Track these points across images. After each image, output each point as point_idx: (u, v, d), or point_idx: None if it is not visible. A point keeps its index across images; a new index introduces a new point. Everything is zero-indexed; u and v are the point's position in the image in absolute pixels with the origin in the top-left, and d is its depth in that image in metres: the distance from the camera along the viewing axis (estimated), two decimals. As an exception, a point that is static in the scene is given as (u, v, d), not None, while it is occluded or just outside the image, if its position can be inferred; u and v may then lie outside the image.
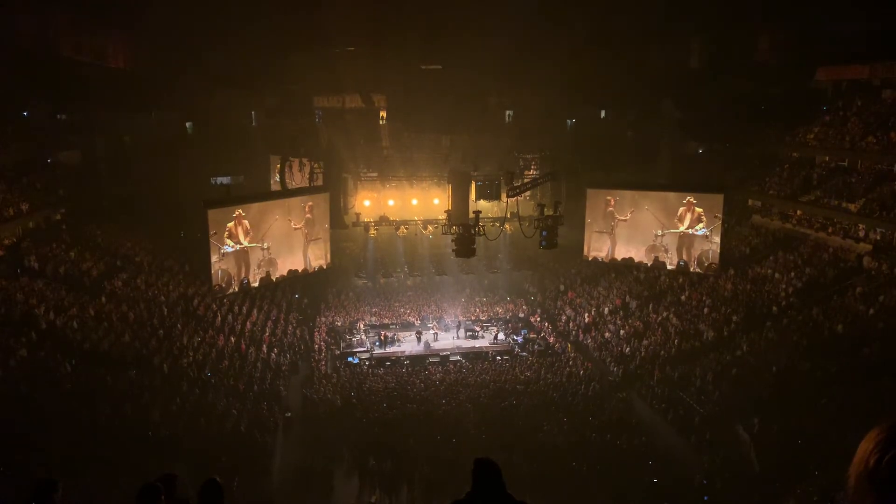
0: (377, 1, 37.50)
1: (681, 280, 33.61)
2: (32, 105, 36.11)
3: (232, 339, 29.00)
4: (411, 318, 34.68)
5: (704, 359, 27.59)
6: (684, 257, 33.44)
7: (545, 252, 32.20)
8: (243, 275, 31.38)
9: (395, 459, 21.69)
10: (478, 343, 32.42)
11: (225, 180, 38.61)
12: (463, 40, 35.79)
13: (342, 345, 31.56)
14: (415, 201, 35.64)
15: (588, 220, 34.85)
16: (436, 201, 35.21)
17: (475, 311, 35.74)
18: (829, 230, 32.48)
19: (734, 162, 38.63)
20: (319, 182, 35.41)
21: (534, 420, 24.35)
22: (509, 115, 42.62)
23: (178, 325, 28.59)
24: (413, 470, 21.39)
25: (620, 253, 35.11)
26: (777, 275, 31.20)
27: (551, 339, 32.78)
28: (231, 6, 34.34)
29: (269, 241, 32.00)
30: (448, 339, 32.68)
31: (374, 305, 35.64)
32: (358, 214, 33.61)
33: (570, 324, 34.01)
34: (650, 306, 32.80)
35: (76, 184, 35.72)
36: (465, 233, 27.40)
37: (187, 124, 42.70)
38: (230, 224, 30.29)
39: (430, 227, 33.72)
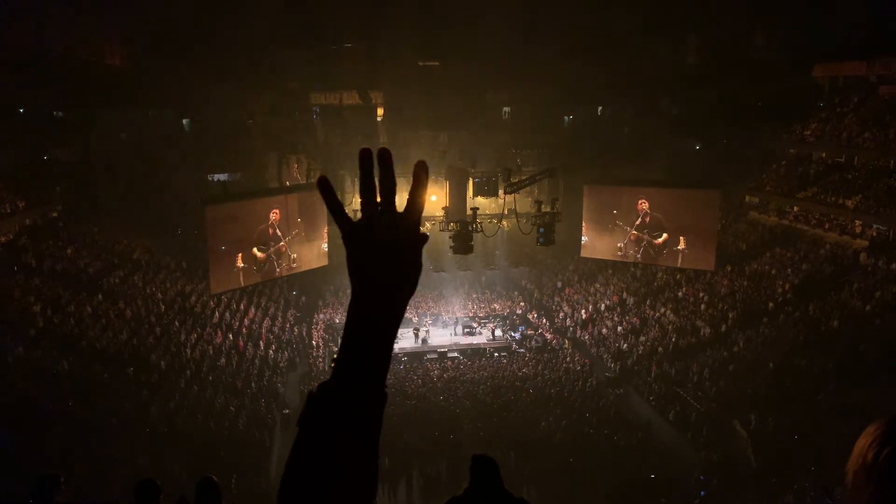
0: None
1: (678, 276, 33.66)
2: (29, 102, 35.98)
3: (230, 336, 29.00)
4: (409, 315, 34.68)
5: (701, 355, 27.67)
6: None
7: (543, 249, 32.22)
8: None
9: (393, 456, 21.70)
10: (475, 339, 32.44)
11: (222, 177, 38.52)
12: (460, 37, 35.74)
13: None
14: (412, 198, 35.61)
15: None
16: (433, 198, 35.15)
17: (473, 307, 35.76)
18: (826, 226, 32.53)
19: (731, 158, 38.68)
20: (317, 179, 35.37)
21: (531, 416, 24.40)
22: (507, 111, 42.55)
23: (176, 323, 28.58)
24: (411, 466, 21.43)
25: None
26: (774, 271, 31.26)
27: (549, 336, 32.82)
28: (228, 3, 34.26)
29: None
30: (446, 335, 32.70)
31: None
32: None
33: (568, 320, 34.08)
34: (647, 302, 32.86)
35: (73, 181, 35.62)
36: (462, 229, 27.41)
37: (184, 121, 42.57)
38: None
39: (427, 224, 33.72)
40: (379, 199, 1.18)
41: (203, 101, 39.14)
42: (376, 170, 1.17)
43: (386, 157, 1.17)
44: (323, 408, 1.11)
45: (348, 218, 1.20)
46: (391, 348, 1.16)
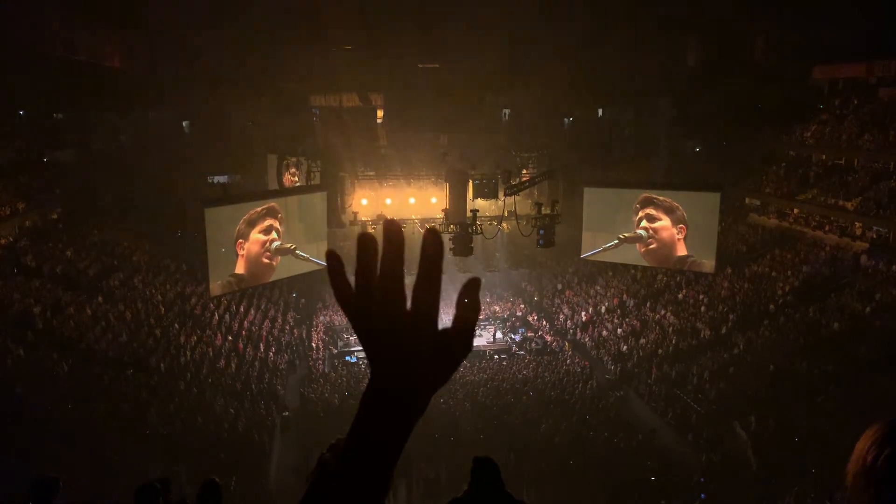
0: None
1: (678, 279, 33.65)
2: (29, 104, 35.99)
3: (229, 338, 28.99)
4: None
5: (702, 357, 27.66)
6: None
7: (543, 251, 32.20)
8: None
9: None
10: (475, 342, 32.26)
11: (222, 179, 38.53)
12: (460, 39, 35.78)
13: (340, 344, 31.54)
14: (412, 200, 35.59)
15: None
16: (433, 200, 35.17)
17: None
18: (826, 228, 32.54)
19: (731, 160, 38.70)
20: (317, 181, 35.35)
21: (531, 418, 24.38)
22: (506, 113, 42.57)
23: (176, 325, 28.57)
24: (411, 468, 21.40)
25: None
26: (774, 273, 31.26)
27: (549, 338, 32.79)
28: (228, 5, 34.27)
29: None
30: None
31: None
32: (355, 213, 33.56)
33: (568, 322, 34.06)
34: (647, 305, 32.86)
35: (73, 183, 35.64)
36: (462, 232, 27.40)
37: (184, 123, 42.60)
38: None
39: (427, 226, 33.73)
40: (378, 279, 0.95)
41: (203, 102, 39.18)
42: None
43: (394, 235, 0.94)
44: (330, 480, 1.05)
45: (351, 294, 0.99)
46: (407, 436, 1.04)
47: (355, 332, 1.01)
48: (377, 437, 1.02)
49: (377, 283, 0.94)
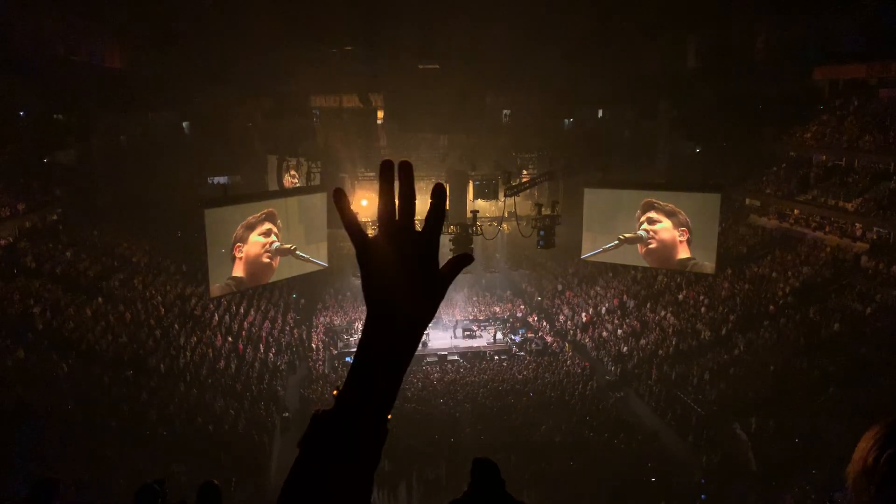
0: (374, 0, 37.45)
1: (678, 279, 33.65)
2: (28, 105, 35.98)
3: (229, 339, 28.99)
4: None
5: (702, 358, 27.66)
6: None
7: (543, 252, 32.22)
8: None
9: (394, 459, 21.69)
10: (475, 343, 32.41)
11: (222, 180, 38.55)
12: (460, 40, 35.75)
13: (340, 345, 31.53)
14: (412, 201, 35.62)
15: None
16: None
17: (473, 310, 35.74)
18: (827, 229, 32.53)
19: (731, 161, 38.70)
20: (317, 182, 35.37)
21: (532, 419, 24.38)
22: (507, 114, 42.58)
23: (175, 326, 28.57)
24: (411, 469, 21.40)
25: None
26: (774, 274, 31.26)
27: (549, 339, 32.78)
28: (227, 6, 34.27)
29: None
30: (446, 338, 32.66)
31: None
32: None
33: (568, 323, 34.05)
34: (647, 305, 32.85)
35: (73, 184, 35.62)
36: (462, 232, 27.41)
37: (184, 124, 42.60)
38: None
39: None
40: (398, 215, 1.15)
41: (203, 103, 39.18)
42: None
43: (407, 170, 1.15)
44: (322, 435, 1.08)
45: (364, 233, 1.18)
46: (400, 380, 1.11)
47: (366, 265, 1.15)
48: (386, 352, 1.10)
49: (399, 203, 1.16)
